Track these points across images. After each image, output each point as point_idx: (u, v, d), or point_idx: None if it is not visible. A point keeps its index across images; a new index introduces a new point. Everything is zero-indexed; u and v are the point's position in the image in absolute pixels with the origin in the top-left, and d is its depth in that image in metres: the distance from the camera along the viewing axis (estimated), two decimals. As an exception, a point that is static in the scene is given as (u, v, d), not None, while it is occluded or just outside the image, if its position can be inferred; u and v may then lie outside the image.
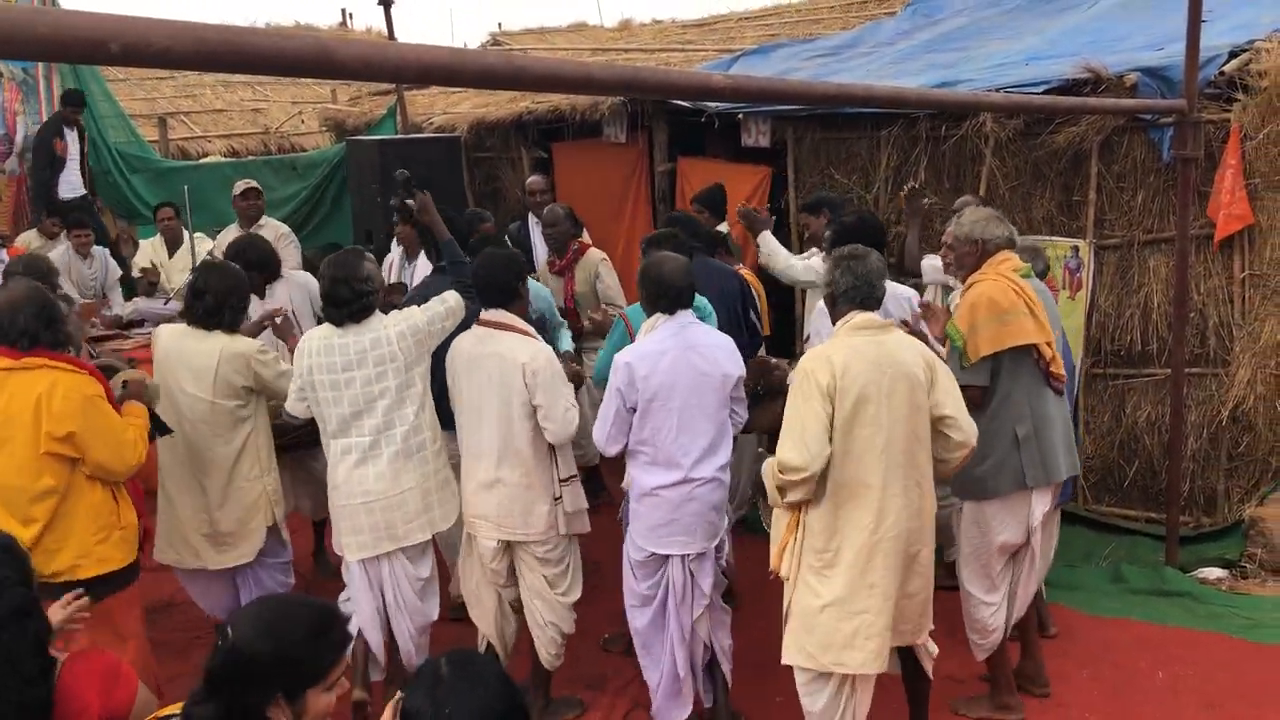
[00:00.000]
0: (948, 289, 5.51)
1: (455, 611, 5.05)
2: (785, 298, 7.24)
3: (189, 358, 4.56)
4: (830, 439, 3.65)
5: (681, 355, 4.21)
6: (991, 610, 4.49)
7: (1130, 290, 6.37)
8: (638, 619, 4.42)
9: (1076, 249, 6.39)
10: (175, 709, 2.18)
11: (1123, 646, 5.15)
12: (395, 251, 6.96)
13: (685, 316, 4.32)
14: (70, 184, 9.73)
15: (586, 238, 7.04)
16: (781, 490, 3.72)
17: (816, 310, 5.67)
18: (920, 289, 5.79)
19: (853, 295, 3.80)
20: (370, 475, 4.41)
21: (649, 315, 4.39)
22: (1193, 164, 5.78)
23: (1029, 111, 5.96)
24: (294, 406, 4.56)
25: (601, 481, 6.90)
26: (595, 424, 4.37)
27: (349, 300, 4.41)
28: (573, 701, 4.79)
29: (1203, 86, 5.76)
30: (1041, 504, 4.44)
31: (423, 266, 6.58)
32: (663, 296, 4.29)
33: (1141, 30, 7.11)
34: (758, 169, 7.69)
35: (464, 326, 4.62)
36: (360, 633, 4.50)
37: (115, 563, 3.97)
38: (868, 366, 3.66)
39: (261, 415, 4.73)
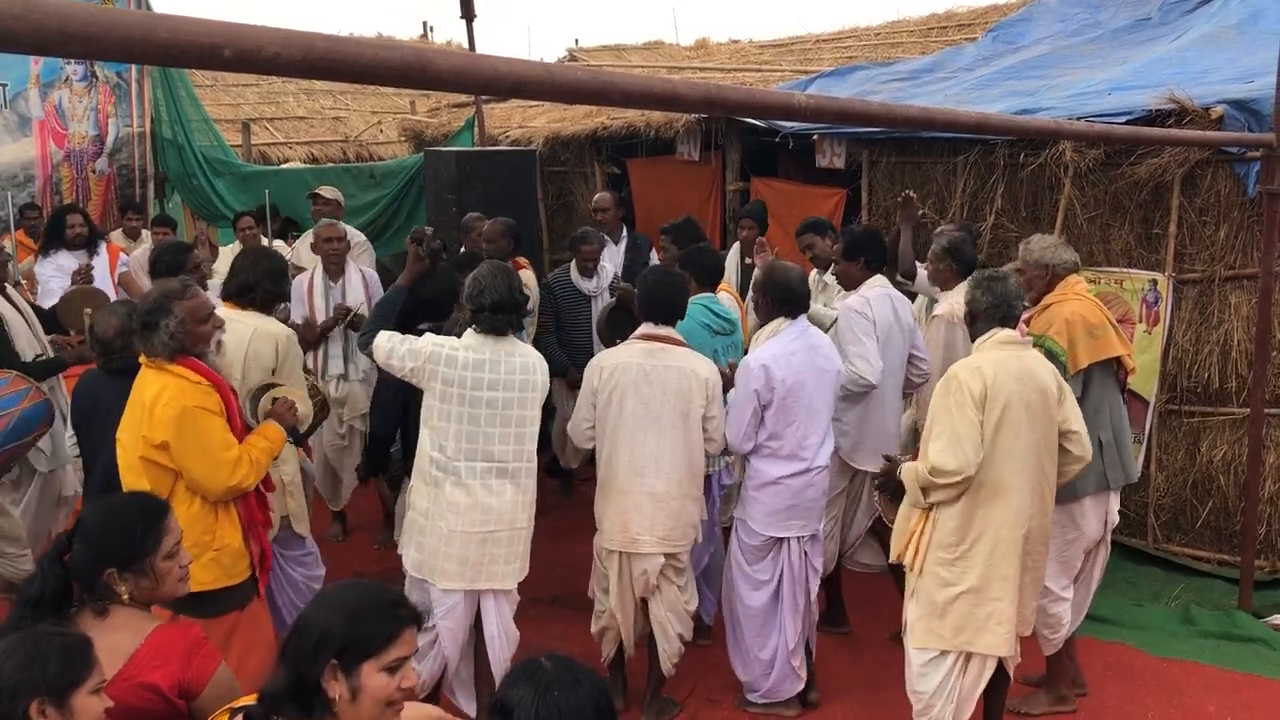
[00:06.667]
0: (932, 300, 5.67)
1: None
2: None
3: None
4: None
5: (807, 356, 4.59)
6: (1066, 605, 4.72)
7: (1210, 326, 6.23)
8: (753, 600, 4.67)
9: (1154, 282, 6.28)
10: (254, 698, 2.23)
11: (1190, 689, 5.04)
12: (317, 271, 6.67)
13: (804, 320, 4.68)
14: None
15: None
16: (925, 491, 4.00)
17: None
18: (911, 296, 5.80)
19: (993, 313, 4.11)
20: (495, 502, 4.26)
21: (768, 320, 4.70)
22: (1280, 199, 5.66)
23: (1112, 142, 5.88)
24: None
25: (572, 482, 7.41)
26: (729, 425, 4.59)
27: (517, 308, 4.31)
28: (673, 703, 4.90)
29: (1293, 120, 5.64)
30: (1115, 501, 4.81)
31: (354, 287, 6.51)
32: (788, 302, 4.67)
33: (1229, 62, 6.96)
34: (832, 191, 7.66)
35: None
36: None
37: (201, 584, 3.56)
38: (1011, 378, 3.98)
39: None
